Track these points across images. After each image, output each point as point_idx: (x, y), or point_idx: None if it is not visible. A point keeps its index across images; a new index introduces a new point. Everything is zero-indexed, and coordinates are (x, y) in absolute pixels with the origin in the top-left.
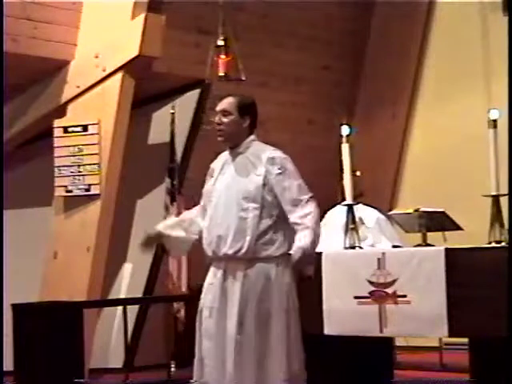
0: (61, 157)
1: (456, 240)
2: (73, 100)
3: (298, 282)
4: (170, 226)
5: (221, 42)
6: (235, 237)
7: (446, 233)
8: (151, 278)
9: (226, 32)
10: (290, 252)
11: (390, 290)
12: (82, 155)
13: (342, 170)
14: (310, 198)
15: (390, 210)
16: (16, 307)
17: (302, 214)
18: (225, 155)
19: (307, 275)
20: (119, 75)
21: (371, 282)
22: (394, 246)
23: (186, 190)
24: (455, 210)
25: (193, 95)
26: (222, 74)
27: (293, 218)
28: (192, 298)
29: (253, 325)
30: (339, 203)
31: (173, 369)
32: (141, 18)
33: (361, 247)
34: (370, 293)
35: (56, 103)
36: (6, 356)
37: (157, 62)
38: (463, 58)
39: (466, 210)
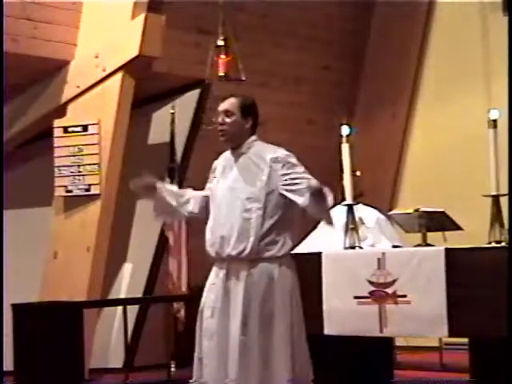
0: (61, 157)
1: (456, 240)
2: (73, 100)
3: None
4: (169, 190)
5: (221, 42)
6: (239, 238)
7: (446, 233)
8: (151, 278)
9: (226, 32)
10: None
11: (390, 290)
12: (82, 155)
13: (342, 169)
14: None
15: (390, 210)
16: (16, 307)
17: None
18: (227, 155)
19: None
20: (119, 75)
21: (371, 282)
22: (394, 246)
23: None
24: (455, 210)
25: (193, 95)
26: (221, 73)
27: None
28: (192, 298)
29: (256, 325)
30: (339, 203)
31: (173, 369)
32: (141, 18)
33: (361, 247)
34: (370, 293)
35: (56, 103)
36: (6, 356)
37: (157, 62)
38: (463, 58)
39: (466, 210)
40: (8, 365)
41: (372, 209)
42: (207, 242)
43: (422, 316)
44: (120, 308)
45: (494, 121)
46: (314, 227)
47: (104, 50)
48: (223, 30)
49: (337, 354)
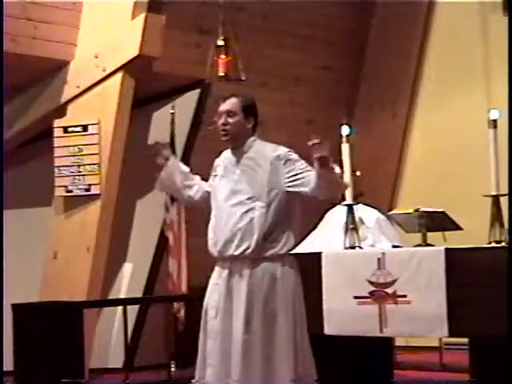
0: (61, 157)
1: (456, 240)
2: (73, 100)
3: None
4: (181, 169)
5: (221, 42)
6: (243, 238)
7: (446, 233)
8: (151, 278)
9: (226, 32)
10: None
11: (390, 290)
12: (82, 155)
13: (342, 170)
14: None
15: (390, 210)
16: (16, 307)
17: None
18: (228, 155)
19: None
20: (119, 75)
21: (371, 282)
22: (394, 246)
23: None
24: (455, 210)
25: (193, 95)
26: (221, 73)
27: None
28: (192, 298)
29: (259, 325)
30: (339, 203)
31: (173, 369)
32: (141, 18)
33: (361, 247)
34: (369, 293)
35: (56, 103)
36: (5, 356)
37: (157, 61)
38: (463, 58)
39: (466, 210)
40: (8, 365)
41: (372, 209)
42: (209, 241)
43: (422, 316)
44: (120, 308)
45: (494, 121)
46: (314, 227)
47: (104, 50)
48: (223, 30)
49: (337, 353)
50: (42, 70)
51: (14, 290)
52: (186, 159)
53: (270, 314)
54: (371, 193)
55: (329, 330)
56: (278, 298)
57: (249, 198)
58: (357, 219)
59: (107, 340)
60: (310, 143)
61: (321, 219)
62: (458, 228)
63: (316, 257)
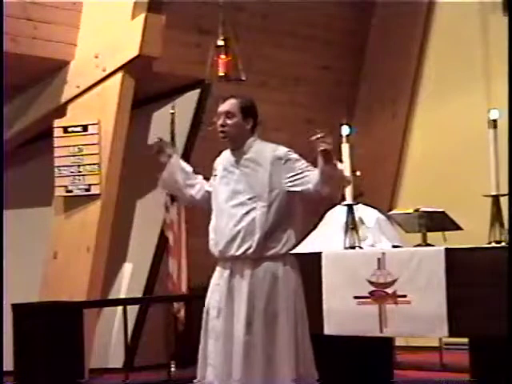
0: (61, 157)
1: (456, 240)
2: (73, 100)
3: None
4: (182, 168)
5: (221, 42)
6: (244, 238)
7: (446, 233)
8: (151, 278)
9: (226, 32)
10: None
11: (390, 290)
12: (82, 155)
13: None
14: None
15: (390, 210)
16: (16, 307)
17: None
18: (228, 156)
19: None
20: (119, 75)
21: (371, 282)
22: (394, 246)
23: None
24: (455, 210)
25: (193, 95)
26: (221, 74)
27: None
28: (192, 298)
29: (261, 325)
30: (339, 203)
31: (173, 369)
32: (141, 18)
33: (361, 247)
34: (369, 293)
35: (56, 103)
36: (6, 356)
37: (157, 61)
38: (463, 58)
39: (466, 210)
40: (8, 365)
41: (372, 209)
42: (211, 242)
43: (422, 316)
44: (120, 308)
45: (494, 121)
46: (314, 227)
47: (104, 49)
48: (223, 30)
49: (337, 353)
50: (42, 70)
51: (14, 290)
52: (186, 159)
53: (272, 314)
54: (371, 193)
55: (329, 330)
56: (279, 298)
57: (250, 199)
58: (357, 219)
59: (107, 340)
60: (313, 138)
61: (321, 219)
62: (458, 228)
63: (316, 257)
